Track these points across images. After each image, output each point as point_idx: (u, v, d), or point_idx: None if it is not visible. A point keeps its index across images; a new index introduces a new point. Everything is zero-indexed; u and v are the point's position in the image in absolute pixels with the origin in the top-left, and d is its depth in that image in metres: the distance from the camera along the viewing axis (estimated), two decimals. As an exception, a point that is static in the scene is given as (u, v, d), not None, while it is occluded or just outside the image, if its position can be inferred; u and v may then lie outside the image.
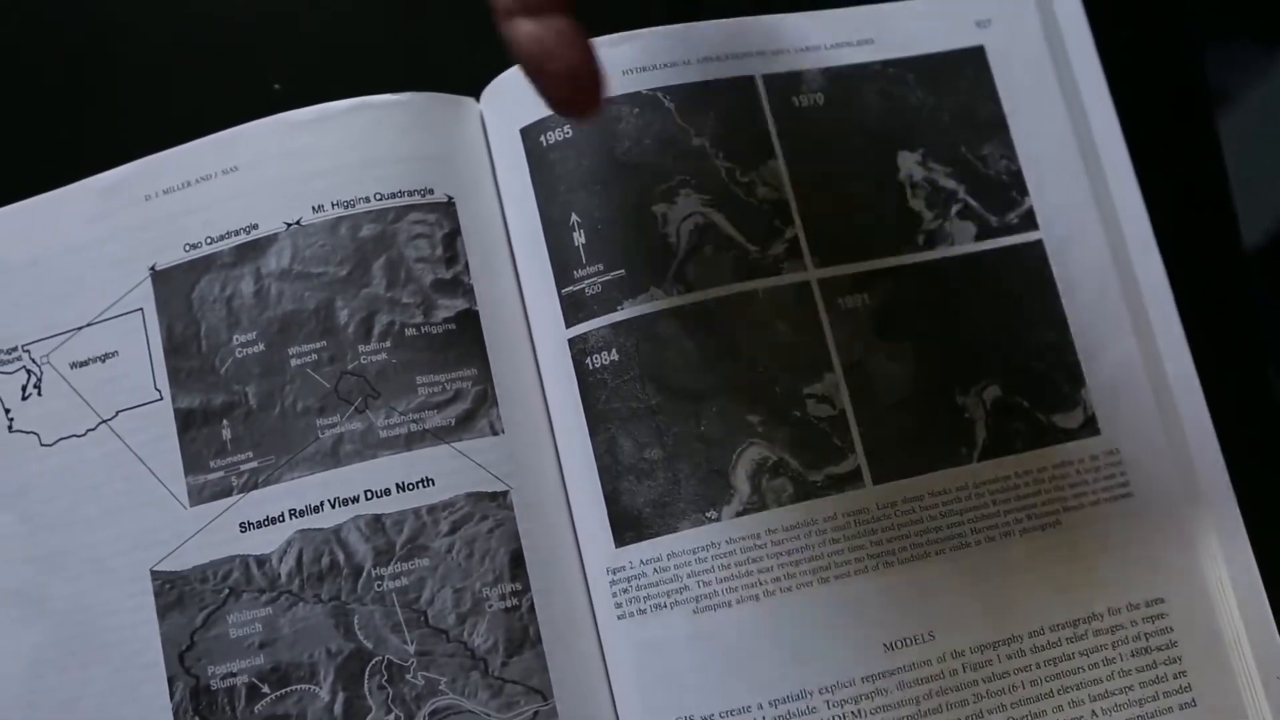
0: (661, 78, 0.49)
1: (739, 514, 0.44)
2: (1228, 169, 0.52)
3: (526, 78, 0.36)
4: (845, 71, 0.50)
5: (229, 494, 0.45)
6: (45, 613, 0.45)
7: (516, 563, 0.44)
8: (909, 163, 0.49)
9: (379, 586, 0.44)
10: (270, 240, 0.46)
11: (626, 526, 0.44)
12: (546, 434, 0.46)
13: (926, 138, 0.50)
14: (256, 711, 0.43)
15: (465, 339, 0.46)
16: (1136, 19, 0.53)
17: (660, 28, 0.49)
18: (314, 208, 0.46)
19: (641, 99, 0.48)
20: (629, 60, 0.49)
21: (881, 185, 0.49)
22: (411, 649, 0.43)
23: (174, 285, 0.47)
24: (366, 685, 0.43)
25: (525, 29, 0.35)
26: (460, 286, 0.46)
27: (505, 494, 0.45)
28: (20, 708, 0.44)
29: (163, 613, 0.44)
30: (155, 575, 0.44)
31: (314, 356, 0.45)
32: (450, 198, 0.47)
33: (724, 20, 0.50)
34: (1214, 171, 0.52)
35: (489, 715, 0.43)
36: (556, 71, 0.36)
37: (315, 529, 0.44)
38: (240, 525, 0.44)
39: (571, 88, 0.36)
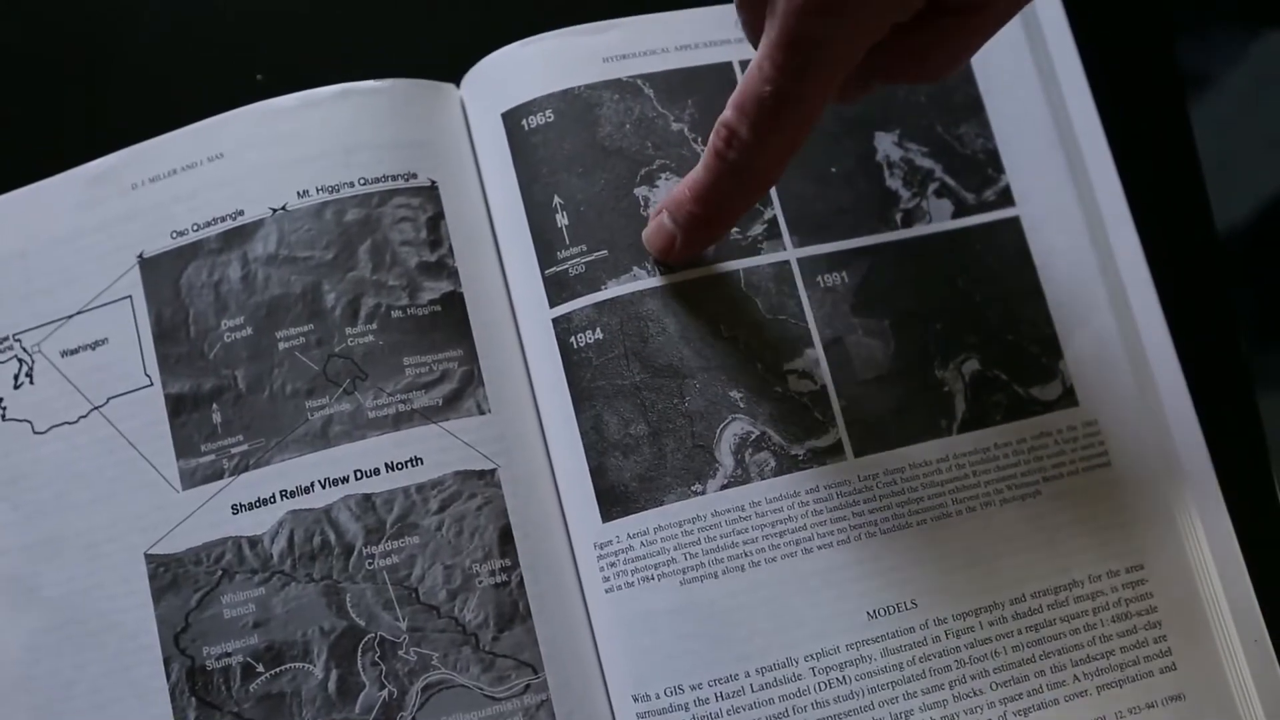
0: (641, 65, 0.49)
1: (723, 487, 0.45)
2: (1207, 150, 0.52)
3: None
4: (822, 54, 0.50)
5: (220, 477, 0.45)
6: (40, 599, 0.45)
7: (505, 539, 0.45)
8: (886, 143, 0.50)
9: (370, 565, 0.44)
10: (256, 226, 0.47)
11: (613, 501, 0.45)
12: (532, 412, 0.47)
13: (903, 118, 0.50)
14: (252, 690, 0.44)
15: (451, 320, 0.47)
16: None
17: (640, 16, 0.50)
18: (299, 193, 0.47)
19: (622, 85, 0.49)
20: (609, 48, 0.49)
21: (859, 165, 0.50)
22: (403, 625, 0.44)
23: (162, 272, 0.47)
24: (360, 662, 0.44)
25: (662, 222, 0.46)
26: (445, 269, 0.47)
27: (493, 472, 0.45)
28: (17, 693, 0.45)
29: (157, 595, 0.45)
30: (149, 558, 0.45)
31: (302, 340, 0.46)
32: (434, 182, 0.48)
33: (702, 8, 0.50)
34: (1187, 149, 0.52)
35: (481, 689, 0.43)
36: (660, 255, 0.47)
37: (306, 509, 0.45)
38: (232, 507, 0.45)
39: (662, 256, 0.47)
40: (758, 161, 0.41)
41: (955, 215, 0.49)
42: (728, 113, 0.40)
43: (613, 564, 0.45)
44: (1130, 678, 0.45)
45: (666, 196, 0.45)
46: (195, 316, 0.47)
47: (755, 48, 0.39)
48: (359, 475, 0.45)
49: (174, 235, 0.47)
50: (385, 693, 0.43)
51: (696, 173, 0.43)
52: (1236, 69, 0.67)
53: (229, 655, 0.44)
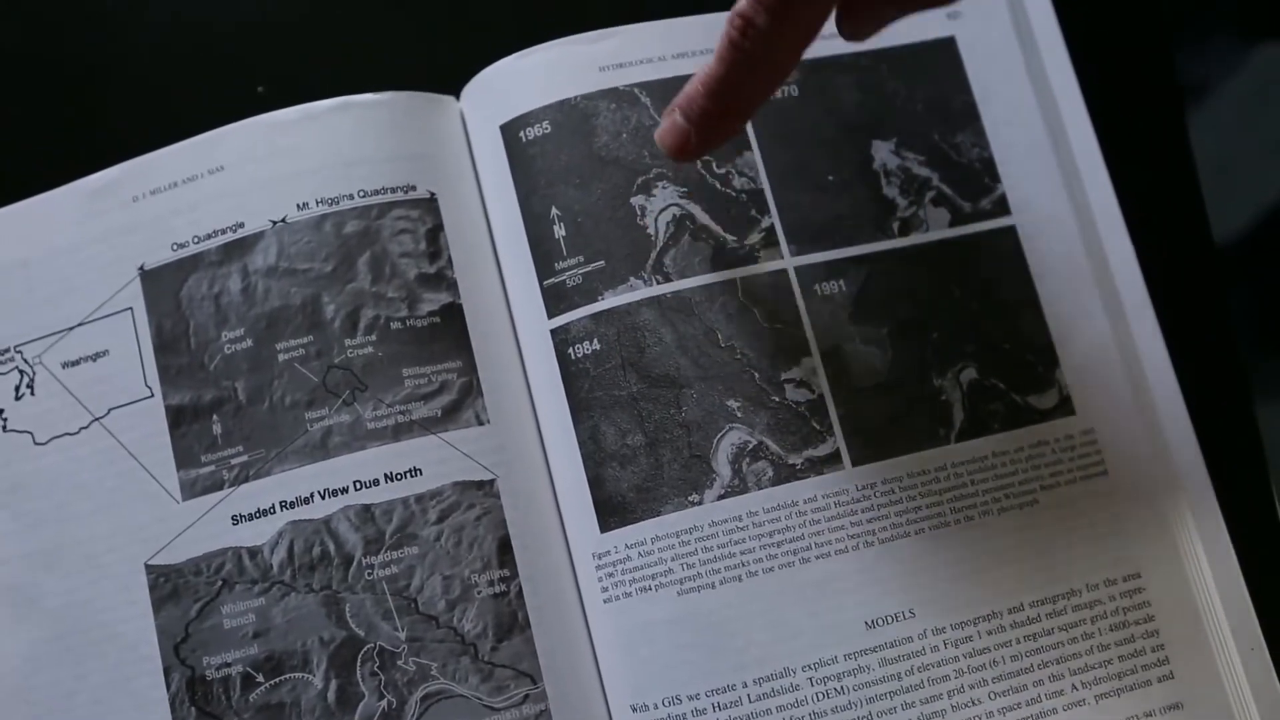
0: (638, 73, 0.50)
1: (721, 497, 0.45)
2: (1205, 158, 0.52)
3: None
4: (819, 64, 0.51)
5: (220, 487, 0.45)
6: (40, 609, 0.46)
7: (504, 549, 0.45)
8: (883, 151, 0.50)
9: (369, 575, 0.44)
10: (256, 238, 0.47)
11: (611, 512, 0.45)
12: (531, 423, 0.47)
13: (900, 127, 0.51)
14: (251, 700, 0.44)
15: (450, 332, 0.47)
16: (1102, 7, 0.54)
17: (637, 24, 0.50)
18: (299, 205, 0.47)
19: (619, 94, 0.49)
20: (606, 57, 0.50)
21: (856, 174, 0.50)
22: (402, 635, 0.44)
23: (162, 284, 0.47)
24: (359, 672, 0.44)
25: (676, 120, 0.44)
26: (444, 280, 0.47)
27: (492, 482, 0.45)
28: (17, 704, 0.45)
29: (157, 606, 0.45)
30: (149, 569, 0.45)
31: (301, 351, 0.46)
32: (433, 194, 0.48)
33: (698, 15, 0.51)
34: (1182, 156, 0.52)
35: (480, 699, 0.44)
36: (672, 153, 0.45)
37: (306, 520, 0.45)
38: (232, 518, 0.45)
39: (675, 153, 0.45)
40: (774, 51, 0.41)
41: (952, 224, 0.50)
42: (742, 3, 0.40)
43: (611, 574, 0.45)
44: (1128, 686, 0.45)
45: (679, 94, 0.45)
46: (196, 328, 0.47)
47: None
48: (358, 486, 0.45)
49: (175, 247, 0.48)
50: (384, 703, 0.43)
51: (710, 66, 0.42)
52: (1235, 78, 0.67)
53: (229, 665, 0.44)
